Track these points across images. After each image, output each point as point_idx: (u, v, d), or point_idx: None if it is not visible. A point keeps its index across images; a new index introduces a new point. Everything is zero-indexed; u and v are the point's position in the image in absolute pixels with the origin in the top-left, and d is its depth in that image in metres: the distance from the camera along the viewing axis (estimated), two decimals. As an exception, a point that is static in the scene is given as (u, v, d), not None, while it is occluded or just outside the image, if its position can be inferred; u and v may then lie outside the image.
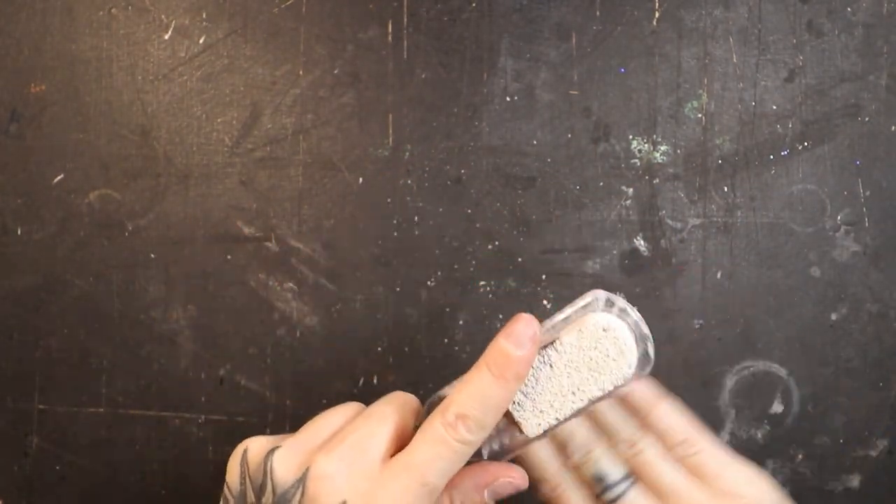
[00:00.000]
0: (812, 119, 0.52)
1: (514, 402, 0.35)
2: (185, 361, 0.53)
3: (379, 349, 0.53)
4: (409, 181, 0.53)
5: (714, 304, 0.52)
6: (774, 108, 0.52)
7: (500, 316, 0.52)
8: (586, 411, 0.36)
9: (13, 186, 0.53)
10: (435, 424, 0.32)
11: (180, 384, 0.53)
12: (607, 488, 0.36)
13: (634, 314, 0.36)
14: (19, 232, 0.54)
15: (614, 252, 0.52)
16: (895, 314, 0.52)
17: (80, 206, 0.53)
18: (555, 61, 0.52)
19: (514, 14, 0.52)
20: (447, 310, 0.52)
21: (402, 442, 0.34)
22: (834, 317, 0.52)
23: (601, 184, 0.52)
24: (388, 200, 0.53)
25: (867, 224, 0.52)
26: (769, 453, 0.52)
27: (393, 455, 0.33)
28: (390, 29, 0.53)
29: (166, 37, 0.53)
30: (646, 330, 0.35)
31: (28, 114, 0.53)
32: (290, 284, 0.53)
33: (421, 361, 0.53)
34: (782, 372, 0.52)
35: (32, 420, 0.54)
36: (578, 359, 0.35)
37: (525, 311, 0.35)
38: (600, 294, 0.36)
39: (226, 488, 0.34)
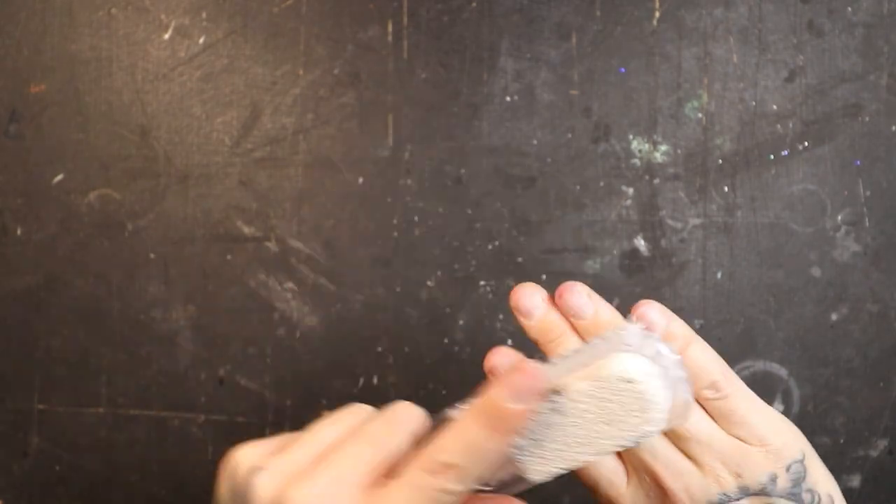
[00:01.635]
0: (812, 119, 0.52)
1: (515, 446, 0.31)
2: (185, 361, 0.53)
3: (379, 349, 0.53)
4: (409, 181, 0.53)
5: (714, 304, 0.52)
6: (775, 108, 0.52)
7: (501, 316, 0.52)
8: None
9: (13, 186, 0.53)
10: (417, 471, 0.29)
11: (180, 384, 0.53)
12: None
13: (670, 355, 0.30)
14: (19, 232, 0.54)
15: (614, 252, 0.52)
16: (895, 314, 0.52)
17: (80, 206, 0.53)
18: (555, 61, 0.52)
19: (514, 14, 0.52)
20: (447, 310, 0.52)
21: (395, 464, 0.31)
22: (834, 317, 0.52)
23: (601, 184, 0.52)
24: (388, 200, 0.53)
25: (867, 224, 0.52)
26: (769, 453, 0.52)
27: (384, 477, 0.31)
28: (390, 29, 0.53)
29: (166, 37, 0.53)
30: (682, 373, 0.30)
31: (28, 114, 0.53)
32: (290, 284, 0.53)
33: (421, 361, 0.53)
34: (782, 372, 0.52)
35: (32, 420, 0.54)
36: (593, 410, 0.29)
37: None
38: (632, 328, 0.30)
39: (217, 498, 0.34)
